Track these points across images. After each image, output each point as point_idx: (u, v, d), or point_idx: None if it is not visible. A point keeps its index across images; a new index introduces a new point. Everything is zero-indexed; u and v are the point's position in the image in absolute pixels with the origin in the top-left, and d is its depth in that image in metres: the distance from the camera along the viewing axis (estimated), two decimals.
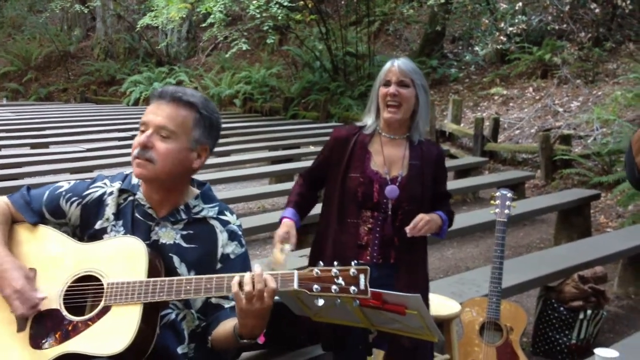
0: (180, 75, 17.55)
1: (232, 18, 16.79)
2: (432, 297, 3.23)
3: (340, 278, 1.70)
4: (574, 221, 6.28)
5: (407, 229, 2.50)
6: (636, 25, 11.28)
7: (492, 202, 3.30)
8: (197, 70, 18.02)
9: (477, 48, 12.10)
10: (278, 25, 14.11)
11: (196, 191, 2.01)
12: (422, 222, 2.50)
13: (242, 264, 1.96)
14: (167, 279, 1.78)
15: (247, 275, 1.70)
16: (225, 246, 1.96)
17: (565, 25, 11.17)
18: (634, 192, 6.17)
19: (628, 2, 9.63)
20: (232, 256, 1.96)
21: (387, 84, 2.57)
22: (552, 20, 11.14)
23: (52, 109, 15.86)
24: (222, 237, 1.96)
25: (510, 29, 10.65)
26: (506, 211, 3.24)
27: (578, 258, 4.34)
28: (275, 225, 2.71)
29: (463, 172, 8.41)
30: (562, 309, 4.05)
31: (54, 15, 19.86)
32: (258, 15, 12.32)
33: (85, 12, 18.70)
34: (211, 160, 9.45)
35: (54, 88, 19.86)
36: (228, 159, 9.38)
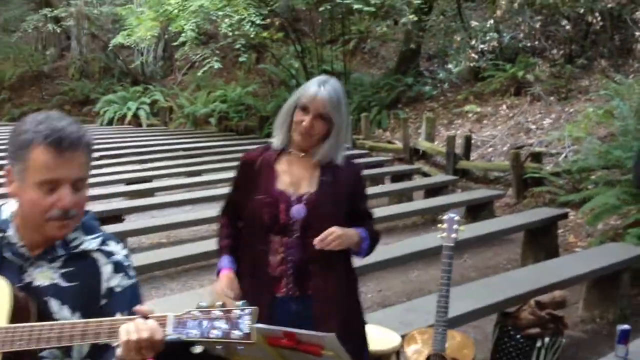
0: (155, 94, 17.36)
1: (207, 36, 16.64)
2: (372, 330, 3.04)
3: (222, 321, 1.50)
4: (541, 241, 6.11)
5: (315, 240, 2.27)
6: (609, 42, 11.24)
7: (439, 225, 3.12)
8: (172, 89, 17.84)
9: (450, 65, 12.00)
10: (252, 43, 13.98)
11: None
12: (332, 235, 2.26)
13: (130, 296, 1.74)
14: (28, 325, 1.57)
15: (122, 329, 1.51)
16: (110, 279, 1.74)
17: (537, 43, 11.11)
18: (601, 210, 6.02)
19: (599, 18, 9.59)
20: (117, 289, 1.74)
21: (304, 109, 2.32)
22: (524, 37, 11.08)
23: None
24: (105, 270, 1.75)
25: (482, 46, 10.57)
26: (453, 235, 3.05)
27: (538, 282, 4.18)
28: None
29: (433, 190, 8.25)
30: (518, 336, 3.85)
31: (28, 35, 19.62)
32: (230, 34, 12.19)
33: (59, 31, 18.48)
34: (181, 181, 9.29)
35: (28, 108, 19.48)
36: (199, 179, 9.19)
